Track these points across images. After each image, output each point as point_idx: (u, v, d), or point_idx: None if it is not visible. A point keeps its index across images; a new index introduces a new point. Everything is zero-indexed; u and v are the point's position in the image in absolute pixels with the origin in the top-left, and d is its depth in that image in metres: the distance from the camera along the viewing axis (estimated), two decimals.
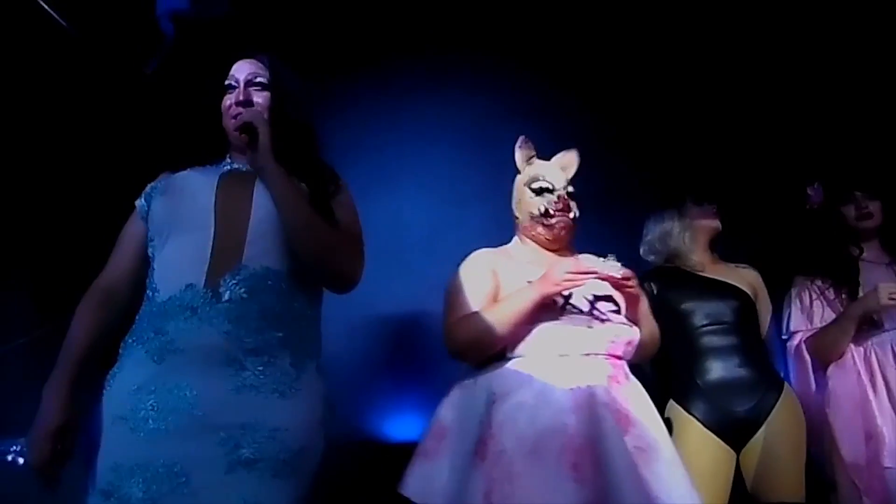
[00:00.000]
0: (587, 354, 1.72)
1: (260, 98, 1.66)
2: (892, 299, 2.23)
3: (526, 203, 1.98)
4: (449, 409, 1.81)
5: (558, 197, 1.94)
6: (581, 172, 3.32)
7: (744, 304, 2.37)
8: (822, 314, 2.38)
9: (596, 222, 3.35)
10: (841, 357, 2.29)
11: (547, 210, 1.93)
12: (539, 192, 1.96)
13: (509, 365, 1.75)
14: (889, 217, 2.52)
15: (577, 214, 1.96)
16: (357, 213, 1.67)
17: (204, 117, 1.73)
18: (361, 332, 3.38)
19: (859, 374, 2.28)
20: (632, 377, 1.81)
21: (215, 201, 1.57)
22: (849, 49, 3.36)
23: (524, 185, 2.00)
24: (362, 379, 3.28)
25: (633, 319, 1.87)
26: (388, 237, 3.55)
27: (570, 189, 1.98)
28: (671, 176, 3.26)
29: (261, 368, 1.42)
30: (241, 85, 1.66)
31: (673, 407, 2.31)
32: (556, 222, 1.94)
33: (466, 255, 3.73)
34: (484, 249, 2.01)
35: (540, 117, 3.56)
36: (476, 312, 1.79)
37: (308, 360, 1.52)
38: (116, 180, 2.08)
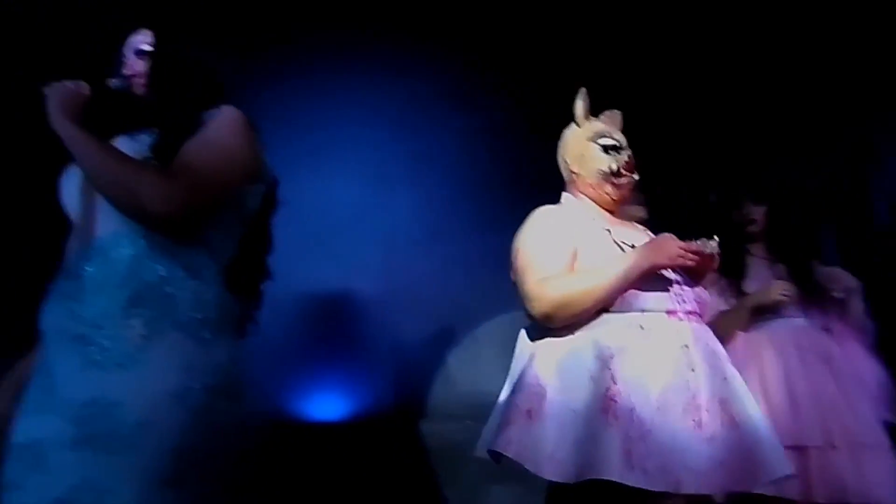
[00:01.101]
0: (689, 312, 1.68)
1: (140, 66, 1.62)
2: (784, 295, 2.51)
3: (592, 159, 1.86)
4: (545, 367, 1.64)
5: (628, 156, 1.87)
6: (505, 158, 3.35)
7: None
8: (715, 304, 2.55)
9: (515, 208, 3.43)
10: (730, 342, 2.47)
11: (618, 169, 1.85)
12: (607, 149, 1.86)
13: (615, 319, 1.65)
14: (774, 221, 2.75)
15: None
16: (214, 146, 1.50)
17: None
18: (284, 309, 3.33)
19: (748, 357, 2.46)
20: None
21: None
22: (745, 58, 3.49)
23: (588, 139, 1.88)
24: (284, 357, 3.24)
25: None
26: (313, 215, 3.51)
27: (625, 143, 1.91)
28: None
29: (106, 342, 1.37)
30: (131, 56, 1.63)
31: None
32: (626, 182, 1.86)
33: (392, 236, 3.82)
34: (547, 206, 1.86)
35: (472, 105, 3.59)
36: (570, 275, 1.67)
37: (169, 328, 1.41)
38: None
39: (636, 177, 1.86)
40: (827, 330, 2.59)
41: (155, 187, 1.40)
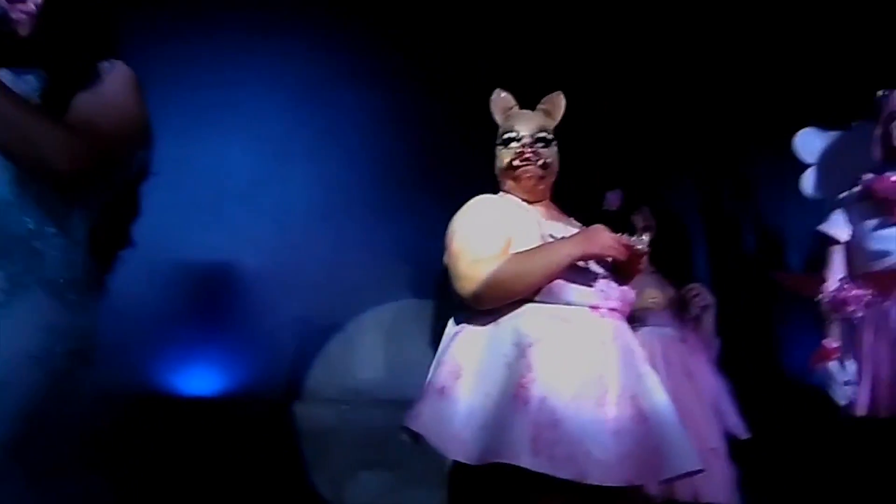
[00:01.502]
0: (611, 309, 1.71)
1: (31, 3, 1.52)
2: (652, 301, 2.65)
3: (497, 157, 1.89)
4: (465, 348, 1.67)
5: (522, 146, 1.85)
6: (409, 147, 3.32)
7: None
8: None
9: (412, 197, 3.44)
10: None
11: (511, 162, 1.86)
12: (506, 143, 1.87)
13: (540, 310, 1.66)
14: (661, 231, 2.78)
15: (549, 162, 1.85)
16: (116, 107, 1.46)
17: None
18: (163, 276, 3.19)
19: None
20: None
21: None
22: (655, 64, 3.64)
23: (498, 138, 1.91)
24: (157, 327, 3.10)
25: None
26: (205, 183, 3.38)
27: (543, 135, 1.86)
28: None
29: None
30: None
31: None
32: (521, 173, 1.85)
33: (285, 213, 3.73)
34: (485, 195, 1.86)
35: (382, 89, 3.56)
36: (507, 257, 1.68)
37: (34, 285, 1.35)
38: None
39: (540, 163, 1.84)
40: (683, 341, 2.76)
41: (62, 144, 1.33)
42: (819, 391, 2.14)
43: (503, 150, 1.87)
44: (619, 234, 1.70)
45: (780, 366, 3.56)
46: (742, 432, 2.69)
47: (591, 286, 1.70)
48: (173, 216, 3.15)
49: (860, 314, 2.00)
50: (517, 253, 1.69)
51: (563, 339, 1.61)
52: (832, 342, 2.10)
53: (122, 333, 1.52)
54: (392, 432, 3.35)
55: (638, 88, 3.58)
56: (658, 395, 1.63)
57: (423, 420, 1.60)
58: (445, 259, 1.79)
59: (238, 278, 3.46)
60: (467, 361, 1.64)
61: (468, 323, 1.71)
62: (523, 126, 1.88)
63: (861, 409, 1.96)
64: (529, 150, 1.84)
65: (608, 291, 1.71)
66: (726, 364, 2.94)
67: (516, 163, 1.84)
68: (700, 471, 1.62)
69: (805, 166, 2.39)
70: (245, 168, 3.49)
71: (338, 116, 3.58)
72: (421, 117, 3.57)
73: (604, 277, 1.74)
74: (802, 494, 3.00)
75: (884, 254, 2.03)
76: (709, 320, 2.87)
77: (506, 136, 1.87)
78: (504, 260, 1.67)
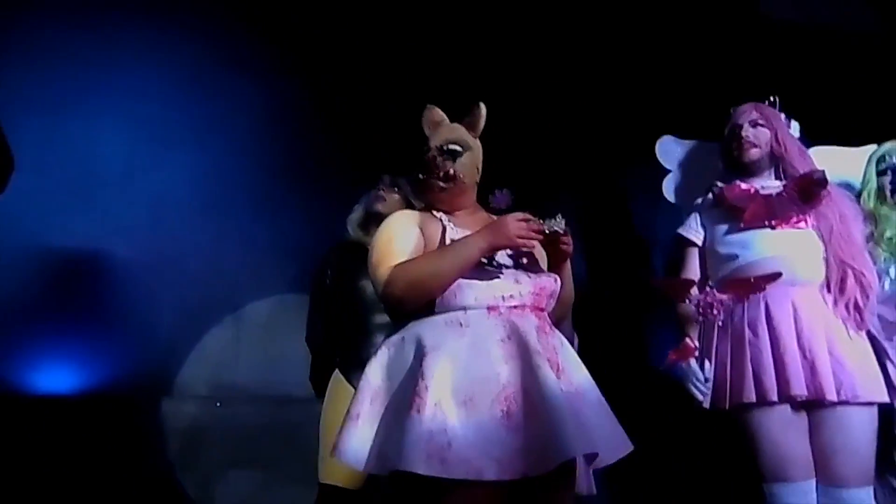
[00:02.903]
0: (514, 307, 1.73)
1: None
2: None
3: (432, 165, 1.87)
4: (377, 370, 1.72)
5: (427, 158, 1.87)
6: (295, 141, 3.27)
7: None
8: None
9: (295, 190, 3.38)
10: None
11: (418, 174, 1.88)
12: (427, 158, 1.88)
13: (438, 318, 1.71)
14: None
15: (452, 174, 1.84)
16: None
17: None
18: (27, 264, 3.00)
19: None
20: (555, 329, 1.82)
21: None
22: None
23: (439, 147, 1.88)
24: (12, 318, 2.90)
25: (558, 273, 1.87)
26: (77, 167, 3.20)
27: (452, 147, 1.86)
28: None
29: None
30: None
31: (337, 376, 2.42)
32: (425, 186, 1.88)
33: (163, 201, 3.57)
34: (404, 210, 1.97)
35: (269, 81, 3.48)
36: (417, 259, 1.73)
37: None
38: None
39: (441, 174, 1.85)
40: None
41: None
42: (678, 386, 2.28)
43: (426, 166, 1.88)
44: (530, 221, 1.73)
45: (648, 361, 3.78)
46: None
47: (494, 282, 1.73)
48: (36, 200, 2.97)
49: (722, 317, 2.13)
50: (430, 253, 1.76)
51: (458, 343, 1.66)
52: (692, 342, 2.23)
53: None
54: (267, 430, 3.34)
55: (522, 101, 3.67)
56: (553, 389, 1.65)
57: (346, 450, 1.65)
58: (371, 276, 1.81)
59: (108, 268, 3.29)
60: (376, 381, 1.71)
61: (382, 346, 1.77)
62: (435, 139, 1.89)
63: (706, 402, 2.09)
64: (434, 162, 1.86)
65: (516, 288, 1.75)
66: (598, 359, 3.07)
67: (421, 175, 1.88)
68: (595, 455, 1.69)
69: (667, 172, 2.52)
70: (120, 152, 3.33)
71: (223, 104, 3.47)
72: (307, 111, 3.52)
73: (515, 271, 1.78)
74: (659, 482, 3.22)
75: (733, 257, 2.18)
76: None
77: (426, 151, 1.89)
78: (419, 261, 1.73)
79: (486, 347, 1.66)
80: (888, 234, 2.33)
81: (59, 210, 3.10)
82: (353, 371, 2.31)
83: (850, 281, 2.06)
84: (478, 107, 1.91)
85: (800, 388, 1.94)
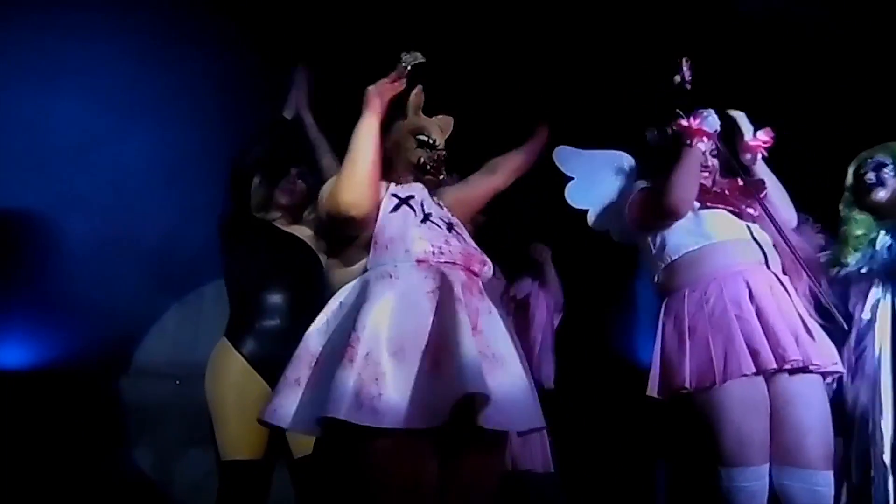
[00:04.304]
0: (445, 262, 1.78)
1: None
2: None
3: (406, 149, 1.99)
4: (315, 336, 1.74)
5: (438, 154, 1.99)
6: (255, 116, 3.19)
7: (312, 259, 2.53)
8: None
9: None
10: None
11: (425, 164, 1.97)
12: (422, 144, 1.98)
13: (369, 275, 1.76)
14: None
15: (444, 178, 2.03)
16: None
17: None
18: None
19: None
20: (486, 297, 1.86)
21: None
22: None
23: (408, 131, 2.01)
24: None
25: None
26: (30, 135, 3.10)
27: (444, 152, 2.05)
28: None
29: None
30: None
31: (224, 345, 2.35)
32: (429, 179, 1.98)
33: (123, 174, 3.46)
34: None
35: (231, 53, 3.39)
36: (342, 167, 1.81)
37: None
38: None
39: (441, 177, 2.00)
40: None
41: None
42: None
43: (416, 149, 1.98)
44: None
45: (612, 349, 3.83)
46: (549, 384, 2.95)
47: (426, 234, 1.81)
48: None
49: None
50: (345, 159, 1.83)
51: (388, 295, 1.70)
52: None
53: None
54: None
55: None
56: (466, 337, 1.66)
57: (279, 413, 1.65)
58: (320, 216, 1.87)
59: (65, 242, 3.21)
60: (318, 346, 1.71)
61: (321, 313, 1.77)
62: (438, 135, 2.03)
63: (651, 391, 2.11)
64: (442, 159, 1.99)
65: (445, 246, 1.81)
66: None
67: (429, 166, 1.97)
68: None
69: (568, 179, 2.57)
70: (78, 122, 3.23)
71: (187, 75, 3.37)
72: (269, 84, 3.44)
73: (447, 233, 1.86)
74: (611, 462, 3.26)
75: (695, 239, 2.18)
76: (551, 271, 3.16)
77: (420, 136, 1.99)
78: (344, 162, 1.82)
79: (415, 299, 1.70)
80: (857, 232, 2.40)
81: (12, 181, 3.01)
82: (244, 338, 2.32)
83: (803, 276, 2.11)
84: (448, 118, 2.09)
85: (794, 353, 1.94)
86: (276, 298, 2.37)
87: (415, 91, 2.04)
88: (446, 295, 1.73)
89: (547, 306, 3.16)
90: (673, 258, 2.18)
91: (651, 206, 2.21)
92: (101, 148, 3.30)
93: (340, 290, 1.80)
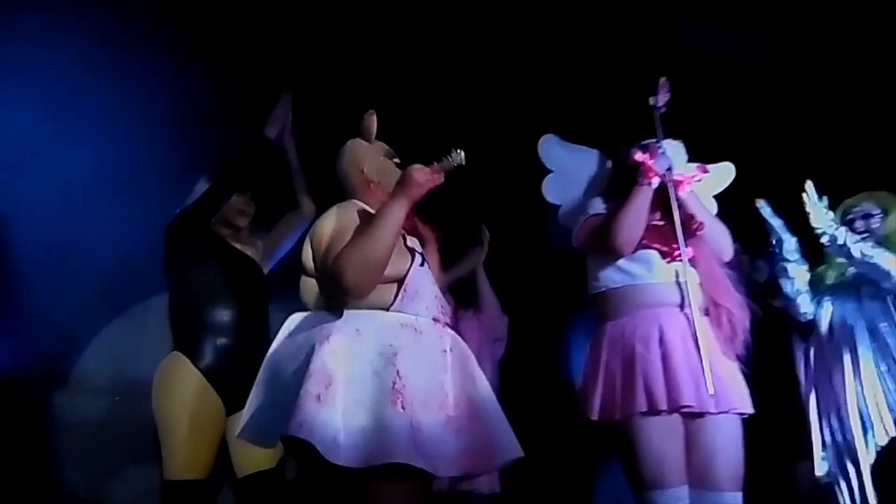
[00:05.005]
0: (446, 323, 1.91)
1: None
2: None
3: (391, 173, 2.02)
4: (332, 357, 1.75)
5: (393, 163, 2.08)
6: (207, 124, 3.16)
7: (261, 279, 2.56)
8: None
9: None
10: None
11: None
12: (399, 166, 2.04)
13: (392, 318, 1.83)
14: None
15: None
16: None
17: None
18: None
19: None
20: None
21: None
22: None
23: (384, 156, 2.08)
24: None
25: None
26: None
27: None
28: None
29: None
30: None
31: (177, 357, 2.32)
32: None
33: (69, 184, 3.38)
34: (338, 205, 1.98)
35: (177, 58, 3.35)
36: (356, 239, 1.81)
37: None
38: None
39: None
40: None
41: None
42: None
43: (392, 172, 2.01)
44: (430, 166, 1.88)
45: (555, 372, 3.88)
46: None
47: (432, 300, 1.89)
48: None
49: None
50: (362, 231, 1.82)
51: (418, 348, 1.79)
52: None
53: None
54: None
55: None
56: (488, 397, 1.87)
57: (308, 428, 1.65)
58: (308, 264, 1.89)
59: (4, 250, 3.12)
60: (337, 369, 1.73)
61: (330, 329, 1.80)
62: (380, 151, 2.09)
63: (593, 414, 2.15)
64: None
65: (444, 308, 1.93)
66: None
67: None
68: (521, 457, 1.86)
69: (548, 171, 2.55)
70: (19, 130, 3.15)
71: (137, 82, 3.33)
72: (220, 96, 3.41)
73: (438, 296, 1.94)
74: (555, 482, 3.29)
75: (628, 275, 2.23)
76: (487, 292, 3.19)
77: (397, 160, 2.06)
78: (358, 240, 1.80)
79: (434, 356, 1.82)
80: (838, 259, 2.71)
81: None
82: (200, 352, 2.30)
83: (723, 318, 2.18)
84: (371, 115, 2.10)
85: (688, 399, 2.03)
86: (229, 314, 2.36)
87: (369, 114, 2.07)
88: (459, 355, 1.87)
89: (480, 335, 3.07)
90: (601, 289, 2.27)
91: (597, 236, 2.27)
92: (47, 156, 3.21)
93: (353, 316, 1.80)
